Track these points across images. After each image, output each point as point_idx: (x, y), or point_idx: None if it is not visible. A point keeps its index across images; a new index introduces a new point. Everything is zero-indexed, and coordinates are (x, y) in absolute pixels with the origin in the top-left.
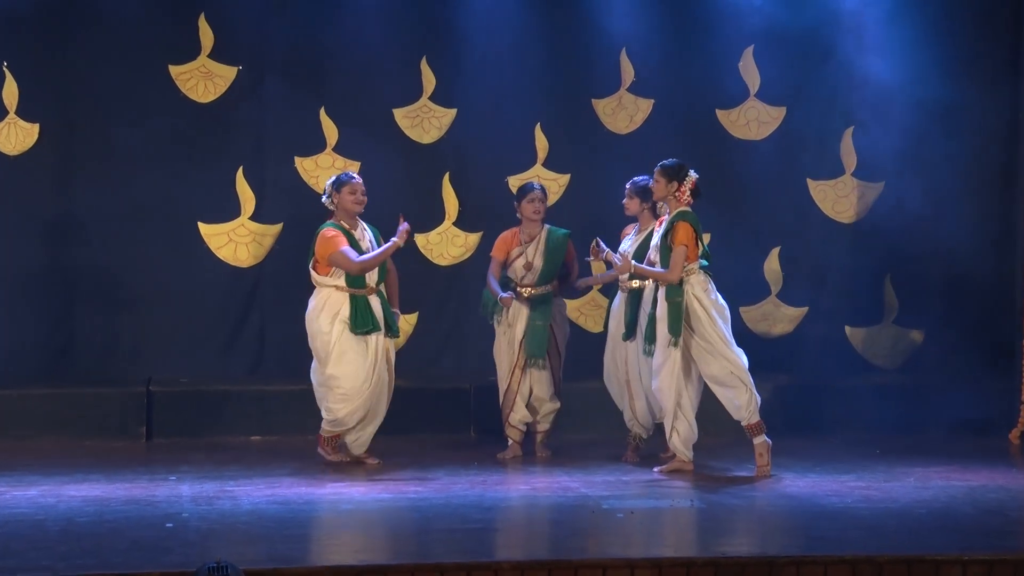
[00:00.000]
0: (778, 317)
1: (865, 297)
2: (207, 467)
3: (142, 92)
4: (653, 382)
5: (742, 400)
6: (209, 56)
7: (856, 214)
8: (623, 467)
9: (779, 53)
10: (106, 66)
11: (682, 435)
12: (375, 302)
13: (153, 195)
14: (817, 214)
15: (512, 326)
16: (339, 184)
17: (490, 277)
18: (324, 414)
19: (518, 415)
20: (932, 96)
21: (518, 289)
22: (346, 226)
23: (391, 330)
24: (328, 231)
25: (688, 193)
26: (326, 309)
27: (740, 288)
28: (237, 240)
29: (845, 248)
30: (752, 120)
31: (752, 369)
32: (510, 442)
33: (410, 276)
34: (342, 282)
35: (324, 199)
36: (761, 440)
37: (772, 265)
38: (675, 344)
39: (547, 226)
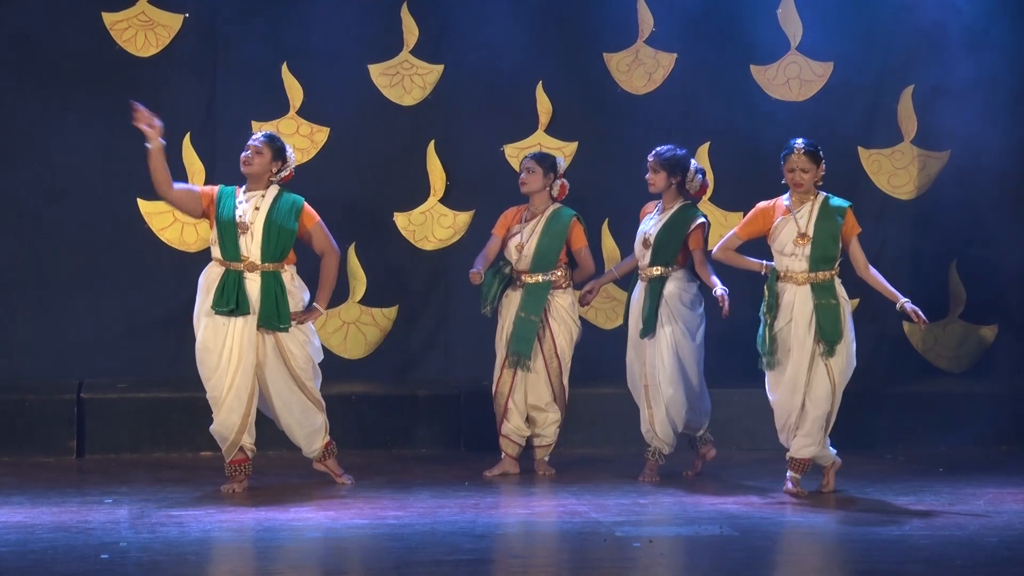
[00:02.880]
0: None
1: (927, 287)
2: (149, 488)
3: (71, 44)
4: (816, 407)
5: (818, 436)
6: (150, 2)
7: (917, 189)
8: (640, 488)
9: None
10: (28, 12)
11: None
12: (252, 280)
13: (84, 166)
14: (870, 189)
15: (505, 319)
16: None
17: (480, 254)
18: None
19: (511, 424)
20: (1009, 49)
21: (513, 274)
22: (241, 188)
23: (265, 319)
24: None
25: (823, 172)
26: (202, 286)
27: None
28: (184, 220)
29: (903, 229)
30: (793, 78)
31: None
32: (503, 456)
33: (389, 263)
34: (217, 252)
35: (291, 167)
36: (797, 477)
37: None
38: (831, 354)
39: (556, 205)
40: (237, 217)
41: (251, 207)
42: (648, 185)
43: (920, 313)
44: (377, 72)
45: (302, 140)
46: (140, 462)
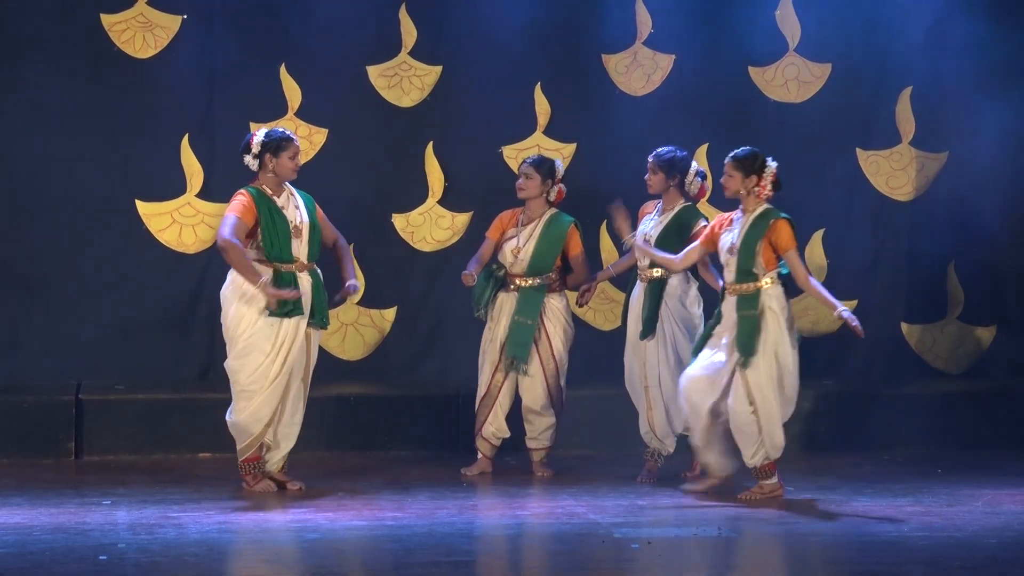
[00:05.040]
0: (822, 313)
1: (925, 289)
2: (147, 489)
3: (69, 45)
4: (734, 417)
5: (754, 446)
6: (148, 3)
7: (915, 190)
8: (638, 489)
9: None
10: (26, 14)
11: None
12: (304, 281)
13: (83, 167)
14: (869, 190)
15: (497, 322)
16: (277, 147)
17: (473, 257)
18: (228, 417)
19: (493, 427)
20: (1006, 51)
21: (507, 278)
22: (268, 192)
23: (315, 317)
24: (240, 194)
25: (769, 187)
26: (246, 284)
27: None
28: (182, 221)
29: (902, 230)
30: (791, 79)
31: None
32: (479, 456)
33: (388, 264)
34: (262, 254)
35: (249, 159)
36: (769, 483)
37: (815, 251)
38: (745, 365)
39: (554, 210)
40: (290, 221)
41: (292, 207)
42: (647, 186)
43: (856, 323)
44: (375, 73)
45: (301, 142)
46: (138, 464)
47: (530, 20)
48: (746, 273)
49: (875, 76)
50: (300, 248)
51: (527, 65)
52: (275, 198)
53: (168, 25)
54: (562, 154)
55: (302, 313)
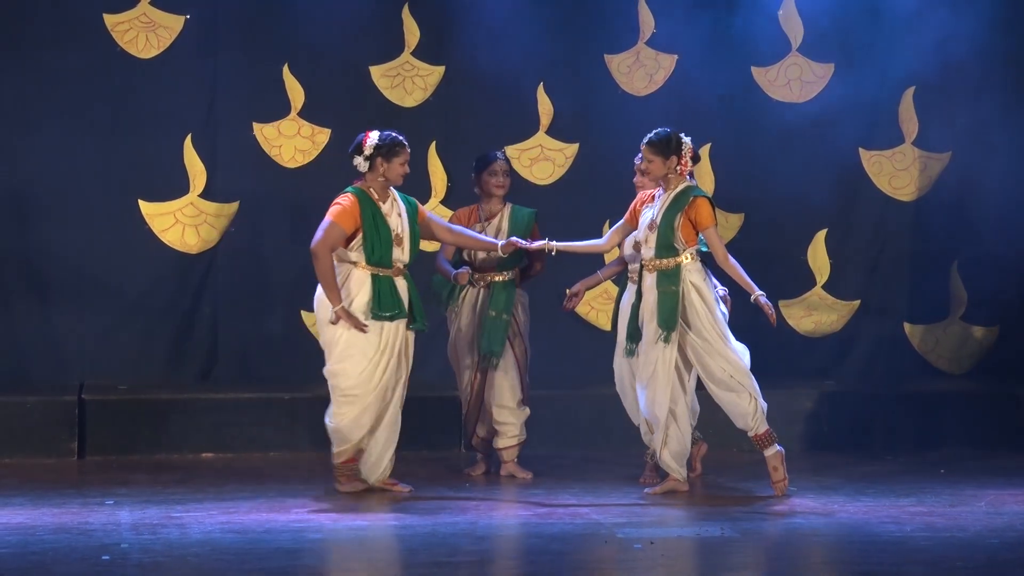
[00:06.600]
0: (824, 312)
1: (928, 289)
2: (150, 489)
3: (72, 45)
4: (639, 390)
5: (746, 407)
6: (151, 3)
7: (918, 190)
8: (641, 489)
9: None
10: (30, 14)
11: (673, 449)
12: (401, 284)
13: (85, 167)
14: (871, 190)
15: (468, 321)
16: (390, 151)
17: (440, 258)
18: (327, 422)
19: (488, 424)
20: (1009, 50)
21: (474, 276)
22: (374, 196)
23: (415, 321)
24: (344, 197)
25: (689, 163)
26: (343, 290)
27: (779, 278)
28: (185, 221)
29: (904, 231)
30: (794, 79)
31: (794, 373)
32: (479, 456)
33: None
34: (362, 258)
35: (360, 160)
36: (774, 451)
37: (818, 251)
38: (667, 340)
39: (510, 204)
40: (393, 229)
41: (395, 215)
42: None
43: (771, 308)
44: (378, 73)
45: (303, 141)
46: (141, 463)
47: (532, 20)
48: (666, 248)
49: (878, 76)
50: (401, 254)
51: (530, 65)
52: (380, 203)
53: (171, 25)
54: (565, 154)
55: (405, 316)
